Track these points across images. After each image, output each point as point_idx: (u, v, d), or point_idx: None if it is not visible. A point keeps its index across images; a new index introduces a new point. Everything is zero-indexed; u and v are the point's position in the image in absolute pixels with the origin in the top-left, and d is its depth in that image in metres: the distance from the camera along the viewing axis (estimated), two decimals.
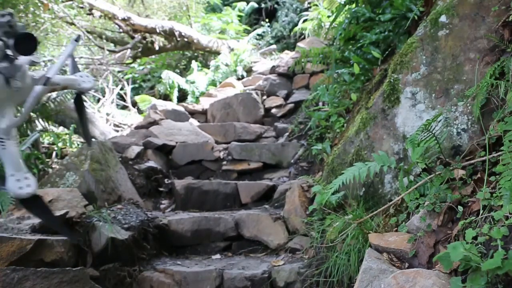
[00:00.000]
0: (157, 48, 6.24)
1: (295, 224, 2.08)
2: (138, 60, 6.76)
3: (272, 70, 4.75)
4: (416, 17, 1.95)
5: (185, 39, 6.21)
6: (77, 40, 1.29)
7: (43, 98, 3.75)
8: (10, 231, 1.68)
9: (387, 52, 2.17)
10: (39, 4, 4.52)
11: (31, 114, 2.81)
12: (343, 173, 1.54)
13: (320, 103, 2.99)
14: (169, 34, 6.12)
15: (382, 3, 2.25)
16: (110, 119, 5.20)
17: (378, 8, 2.27)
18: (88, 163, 2.31)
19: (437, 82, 1.60)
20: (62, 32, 5.72)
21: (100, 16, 5.75)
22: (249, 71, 5.85)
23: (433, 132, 1.37)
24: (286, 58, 5.09)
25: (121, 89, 6.18)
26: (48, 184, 2.27)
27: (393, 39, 2.10)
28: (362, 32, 2.33)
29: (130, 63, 6.75)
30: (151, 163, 3.00)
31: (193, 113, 4.56)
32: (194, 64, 6.26)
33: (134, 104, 5.94)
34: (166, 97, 5.93)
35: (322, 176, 2.05)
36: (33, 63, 1.17)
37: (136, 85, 6.99)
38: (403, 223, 1.42)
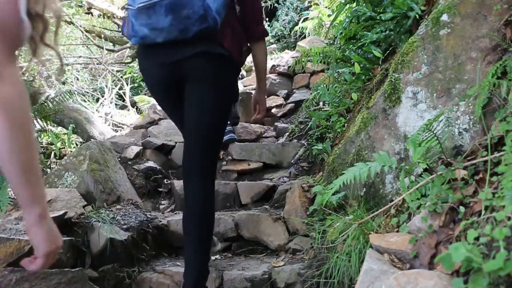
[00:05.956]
0: None
1: (295, 225, 2.07)
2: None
3: (272, 69, 4.74)
4: (417, 16, 1.94)
5: None
6: None
7: (41, 97, 3.74)
8: (8, 231, 1.67)
9: (388, 52, 2.16)
10: None
11: None
12: (343, 173, 1.53)
13: (321, 103, 2.98)
14: None
15: (383, 2, 2.24)
16: (109, 119, 5.18)
17: (379, 7, 2.26)
18: (87, 163, 2.30)
19: (438, 81, 1.59)
20: (60, 31, 5.70)
21: (99, 15, 5.74)
22: (249, 70, 5.83)
23: (434, 132, 1.36)
24: (286, 57, 5.07)
25: (120, 88, 6.17)
26: (46, 185, 2.26)
27: (394, 38, 2.09)
28: (363, 31, 2.32)
29: (129, 63, 6.73)
30: (150, 163, 2.99)
31: None
32: None
33: (133, 104, 5.92)
34: None
35: (322, 176, 2.04)
36: None
37: (135, 85, 6.98)
38: (404, 223, 1.41)
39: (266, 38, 1.84)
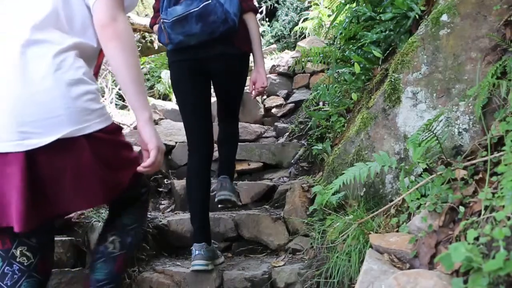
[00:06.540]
0: (156, 47, 6.22)
1: (295, 225, 2.08)
2: None
3: (272, 69, 4.73)
4: (417, 16, 1.94)
5: None
6: None
7: None
8: None
9: (388, 52, 2.16)
10: None
11: None
12: (343, 173, 1.53)
13: (321, 103, 2.98)
14: None
15: (383, 2, 2.24)
16: None
17: (379, 7, 2.25)
18: None
19: (438, 81, 1.59)
20: None
21: None
22: (249, 70, 5.82)
23: (434, 132, 1.36)
24: (286, 57, 5.07)
25: (120, 88, 6.17)
26: None
27: (394, 38, 2.09)
28: (362, 31, 2.32)
29: None
30: None
31: None
32: None
33: None
34: (165, 97, 5.92)
35: (322, 176, 2.04)
36: None
37: None
38: (404, 223, 1.41)
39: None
